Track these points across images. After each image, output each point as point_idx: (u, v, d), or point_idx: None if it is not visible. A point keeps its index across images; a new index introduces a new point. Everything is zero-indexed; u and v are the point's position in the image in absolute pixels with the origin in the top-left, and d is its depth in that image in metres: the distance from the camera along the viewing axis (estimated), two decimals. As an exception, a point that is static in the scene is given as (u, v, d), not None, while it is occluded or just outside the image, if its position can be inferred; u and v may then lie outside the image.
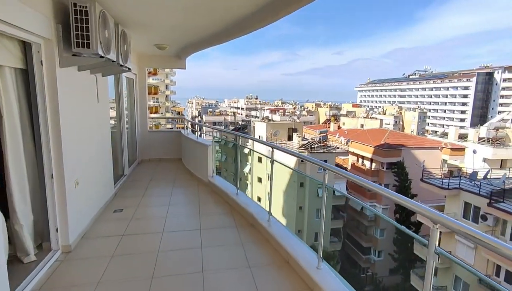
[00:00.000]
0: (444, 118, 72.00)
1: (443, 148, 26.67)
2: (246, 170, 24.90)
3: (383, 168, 25.94)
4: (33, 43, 2.77)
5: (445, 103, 71.89)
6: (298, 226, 22.41)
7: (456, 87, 69.80)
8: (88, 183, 3.82)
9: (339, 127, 39.85)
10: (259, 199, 23.95)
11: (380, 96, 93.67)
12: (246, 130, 36.00)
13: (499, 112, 56.70)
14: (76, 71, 3.47)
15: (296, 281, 2.73)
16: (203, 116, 58.29)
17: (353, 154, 28.71)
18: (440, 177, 18.28)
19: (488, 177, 16.44)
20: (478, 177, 16.30)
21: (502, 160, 23.02)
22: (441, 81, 74.07)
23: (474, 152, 22.68)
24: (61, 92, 3.00)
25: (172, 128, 16.33)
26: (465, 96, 67.24)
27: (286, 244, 3.13)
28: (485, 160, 23.03)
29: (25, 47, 2.78)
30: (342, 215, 24.72)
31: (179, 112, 56.37)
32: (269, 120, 31.39)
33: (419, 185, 18.40)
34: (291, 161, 18.42)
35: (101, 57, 3.18)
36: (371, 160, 27.32)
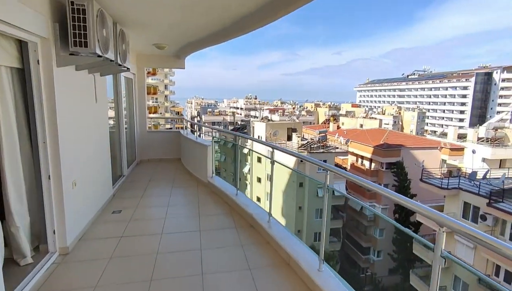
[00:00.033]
0: (443, 118, 72.10)
1: (442, 147, 26.69)
2: (246, 170, 24.86)
3: (383, 168, 25.94)
4: (30, 42, 2.72)
5: (444, 103, 72.00)
6: (298, 226, 22.39)
7: (455, 87, 69.91)
8: (86, 183, 3.78)
9: (338, 127, 39.86)
10: (258, 199, 23.93)
11: (379, 96, 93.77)
12: (245, 131, 35.98)
13: (498, 112, 56.83)
14: (74, 70, 3.42)
15: (297, 283, 2.69)
16: (202, 116, 58.25)
17: (353, 154, 28.71)
18: (439, 177, 18.28)
19: (487, 176, 16.45)
20: (477, 177, 16.30)
21: (501, 160, 23.05)
22: (440, 81, 74.17)
23: (474, 152, 22.70)
24: (58, 92, 2.96)
25: (171, 128, 16.28)
26: (464, 96, 67.34)
27: (286, 246, 3.09)
28: (484, 159, 23.06)
29: (22, 46, 2.74)
30: (342, 215, 24.71)
31: (178, 112, 56.30)
32: (269, 120, 31.38)
33: (419, 185, 18.40)
34: (291, 161, 18.38)
35: (99, 56, 3.14)
36: (371, 160, 27.32)
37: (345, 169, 26.49)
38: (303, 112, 59.27)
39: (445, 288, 14.89)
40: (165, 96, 53.55)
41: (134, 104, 7.40)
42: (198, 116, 59.89)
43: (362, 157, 28.61)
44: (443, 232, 1.39)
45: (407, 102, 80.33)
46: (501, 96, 63.76)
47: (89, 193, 3.93)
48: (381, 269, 23.10)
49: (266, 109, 56.75)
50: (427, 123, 66.80)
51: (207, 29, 4.72)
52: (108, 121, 4.91)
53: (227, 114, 59.49)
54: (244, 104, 75.44)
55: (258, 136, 27.95)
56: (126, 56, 4.42)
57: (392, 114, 53.36)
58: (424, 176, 17.78)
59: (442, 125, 67.83)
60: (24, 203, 2.82)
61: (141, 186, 5.72)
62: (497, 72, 64.26)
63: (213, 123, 47.12)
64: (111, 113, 5.59)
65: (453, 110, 69.97)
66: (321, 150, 23.51)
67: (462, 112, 67.80)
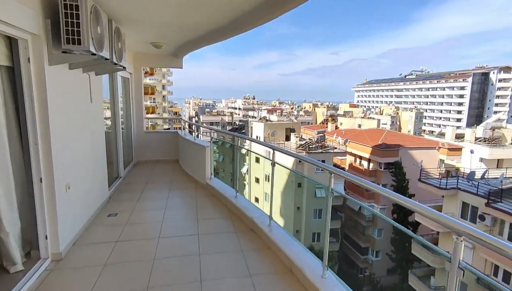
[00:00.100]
0: (440, 118, 72.37)
1: (440, 148, 26.75)
2: (244, 170, 24.76)
3: (381, 168, 25.96)
4: (20, 39, 2.60)
5: (442, 104, 72.26)
6: (296, 226, 22.32)
7: (453, 88, 70.19)
8: (80, 186, 3.65)
9: (336, 127, 39.89)
10: (256, 200, 23.80)
11: (377, 96, 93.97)
12: (243, 131, 35.89)
13: (495, 112, 57.21)
14: (67, 69, 3.29)
15: (300, 291, 2.59)
16: (200, 116, 58.07)
17: (351, 154, 28.70)
18: (437, 176, 18.27)
19: (485, 176, 16.47)
20: (475, 177, 16.31)
21: (498, 160, 23.13)
22: (437, 81, 74.44)
23: (472, 152, 22.76)
24: (50, 92, 2.83)
25: (169, 128, 16.13)
26: (461, 96, 67.63)
27: (288, 251, 2.99)
28: (481, 159, 23.11)
29: (11, 43, 2.61)
30: (340, 215, 24.66)
31: (176, 112, 56.08)
32: (267, 120, 31.30)
33: (417, 185, 18.40)
34: (289, 161, 18.29)
35: (93, 54, 3.02)
36: (369, 160, 27.33)
37: (343, 169, 26.46)
38: (301, 113, 59.23)
39: (443, 288, 14.87)
40: (163, 96, 53.29)
41: (131, 105, 7.27)
42: (196, 117, 59.72)
43: (361, 157, 28.62)
44: (461, 241, 1.29)
45: (405, 102, 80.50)
46: (498, 97, 64.10)
47: (84, 196, 3.79)
48: (380, 269, 23.08)
49: (264, 109, 56.67)
50: (425, 123, 66.97)
51: (204, 27, 4.62)
52: (104, 121, 4.78)
53: (225, 115, 59.35)
54: (242, 104, 75.29)
55: (257, 136, 27.85)
56: (122, 55, 4.30)
57: (390, 115, 53.48)
58: (423, 176, 17.78)
59: (440, 125, 68.15)
60: (15, 208, 2.69)
61: (138, 188, 5.59)
62: (494, 73, 64.60)
63: (211, 123, 46.90)
64: (107, 113, 5.46)
65: (450, 110, 70.25)
66: (320, 150, 23.46)
67: (459, 112, 68.08)
